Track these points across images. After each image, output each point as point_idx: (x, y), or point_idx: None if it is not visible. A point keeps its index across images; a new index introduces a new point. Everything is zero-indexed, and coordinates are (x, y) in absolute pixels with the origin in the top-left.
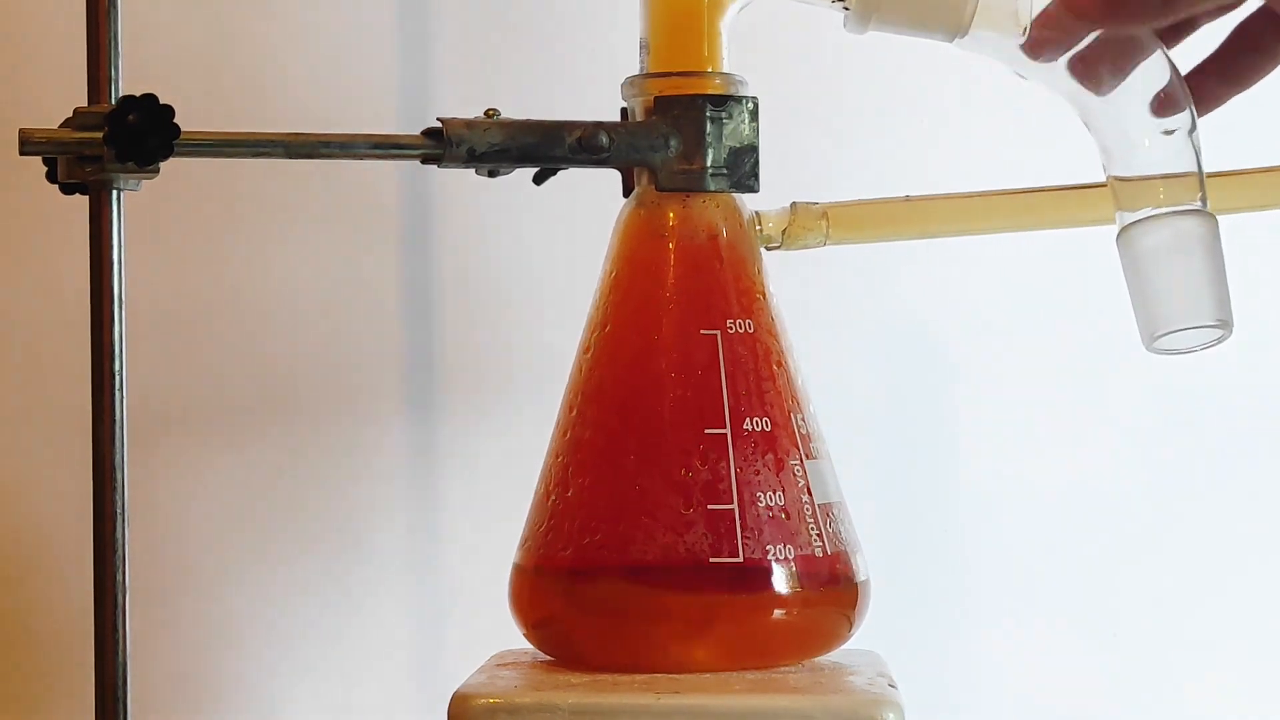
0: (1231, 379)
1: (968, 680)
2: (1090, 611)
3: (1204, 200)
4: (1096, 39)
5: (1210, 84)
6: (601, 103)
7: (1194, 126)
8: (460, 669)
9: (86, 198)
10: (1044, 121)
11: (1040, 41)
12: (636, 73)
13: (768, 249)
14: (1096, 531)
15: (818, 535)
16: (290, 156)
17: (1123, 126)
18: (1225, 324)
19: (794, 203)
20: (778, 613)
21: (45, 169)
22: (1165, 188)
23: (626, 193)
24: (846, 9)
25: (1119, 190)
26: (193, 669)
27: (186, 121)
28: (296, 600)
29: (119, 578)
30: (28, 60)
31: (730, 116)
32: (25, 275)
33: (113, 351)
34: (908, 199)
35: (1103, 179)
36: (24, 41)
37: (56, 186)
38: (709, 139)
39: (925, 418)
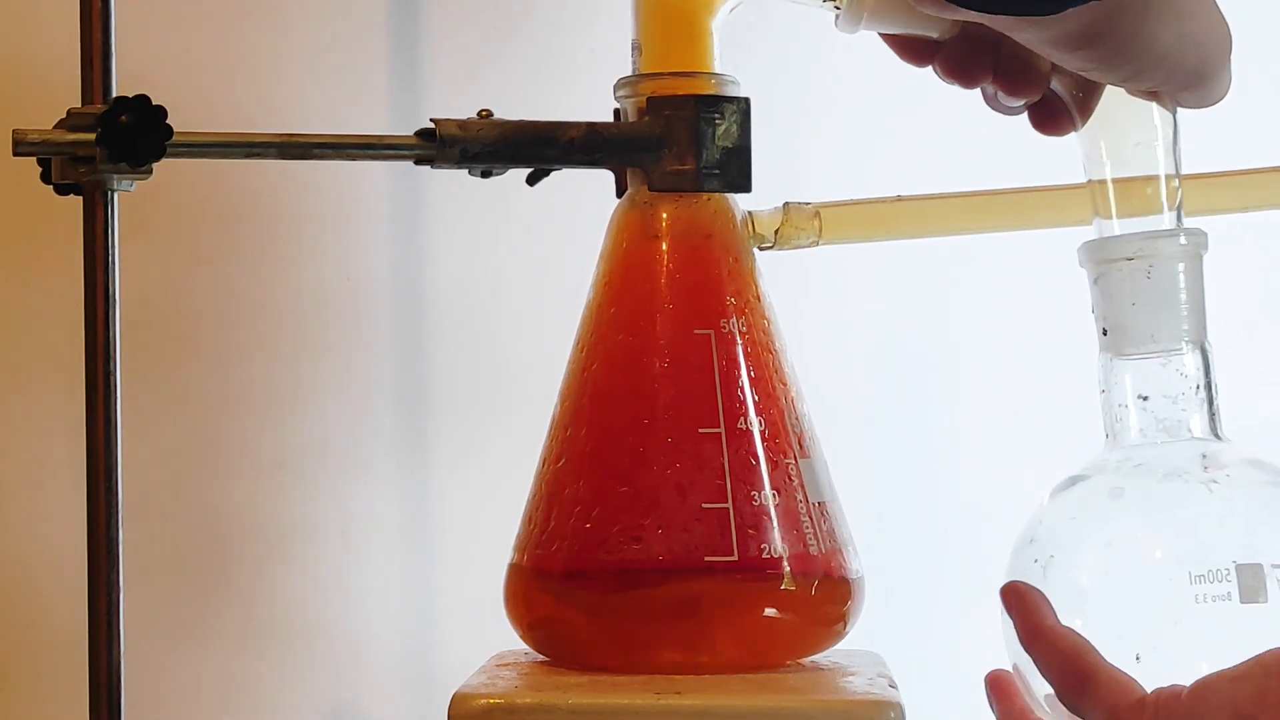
0: (1226, 377)
1: (966, 679)
2: None
3: (1179, 209)
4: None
5: None
6: (594, 103)
7: (1175, 136)
8: (459, 669)
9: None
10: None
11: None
12: (629, 74)
13: (760, 249)
14: None
15: (812, 534)
16: (282, 157)
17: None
18: (1194, 342)
19: (786, 203)
20: (773, 611)
21: (40, 170)
22: (1141, 195)
23: (619, 193)
24: (838, 9)
25: (1096, 194)
26: (188, 669)
27: (179, 123)
28: (294, 601)
29: (113, 577)
30: (22, 61)
31: (722, 117)
32: (20, 275)
33: (107, 350)
34: (899, 199)
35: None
36: (18, 42)
37: (51, 187)
38: (701, 139)
39: (917, 416)
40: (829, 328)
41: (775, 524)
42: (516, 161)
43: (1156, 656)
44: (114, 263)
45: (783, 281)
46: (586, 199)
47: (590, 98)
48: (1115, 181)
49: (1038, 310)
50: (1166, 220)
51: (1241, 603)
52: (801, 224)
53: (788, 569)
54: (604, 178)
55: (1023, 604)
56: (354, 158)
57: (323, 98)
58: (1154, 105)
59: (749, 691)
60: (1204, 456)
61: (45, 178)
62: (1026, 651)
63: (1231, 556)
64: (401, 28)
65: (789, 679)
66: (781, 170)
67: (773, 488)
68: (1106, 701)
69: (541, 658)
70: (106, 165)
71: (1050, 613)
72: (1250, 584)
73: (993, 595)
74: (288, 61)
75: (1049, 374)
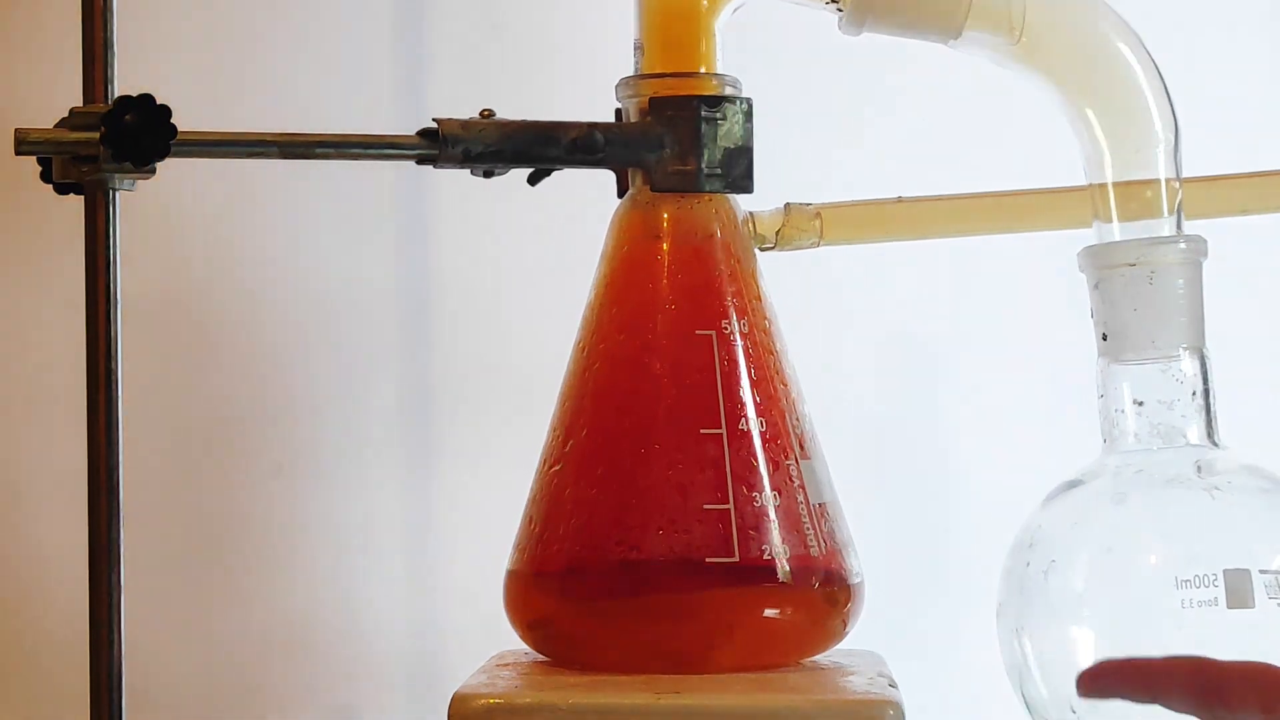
0: (1225, 377)
1: (966, 680)
2: None
3: (1179, 213)
4: None
5: None
6: (597, 104)
7: (1176, 140)
8: (461, 670)
9: (82, 197)
10: (1036, 123)
11: None
12: (631, 74)
13: (761, 250)
14: None
15: (813, 535)
16: (285, 157)
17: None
18: (1192, 349)
19: (787, 204)
20: (773, 612)
21: (40, 169)
22: (1141, 199)
23: (621, 194)
24: (841, 11)
25: (1097, 197)
26: (189, 670)
27: (181, 122)
28: (294, 601)
29: (114, 577)
30: (23, 60)
31: (725, 117)
32: (21, 275)
33: (108, 351)
34: (900, 200)
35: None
36: (20, 41)
37: (51, 187)
38: (703, 140)
39: (918, 417)
40: (831, 329)
41: (776, 525)
42: (519, 161)
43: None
44: (116, 262)
45: (786, 282)
46: (591, 198)
47: (591, 98)
48: (1116, 185)
49: (1041, 311)
50: (1166, 224)
51: (1229, 607)
52: (803, 225)
53: (788, 570)
54: (606, 178)
55: (1116, 672)
56: (356, 157)
57: (324, 97)
58: (1155, 110)
59: (749, 691)
60: (1202, 464)
61: (46, 177)
62: (1150, 701)
63: (1234, 561)
64: (405, 27)
65: (789, 679)
66: (784, 171)
67: (774, 489)
68: (1253, 694)
69: (542, 658)
70: (110, 164)
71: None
72: (1239, 588)
73: (993, 595)
74: (289, 60)
75: (1050, 375)
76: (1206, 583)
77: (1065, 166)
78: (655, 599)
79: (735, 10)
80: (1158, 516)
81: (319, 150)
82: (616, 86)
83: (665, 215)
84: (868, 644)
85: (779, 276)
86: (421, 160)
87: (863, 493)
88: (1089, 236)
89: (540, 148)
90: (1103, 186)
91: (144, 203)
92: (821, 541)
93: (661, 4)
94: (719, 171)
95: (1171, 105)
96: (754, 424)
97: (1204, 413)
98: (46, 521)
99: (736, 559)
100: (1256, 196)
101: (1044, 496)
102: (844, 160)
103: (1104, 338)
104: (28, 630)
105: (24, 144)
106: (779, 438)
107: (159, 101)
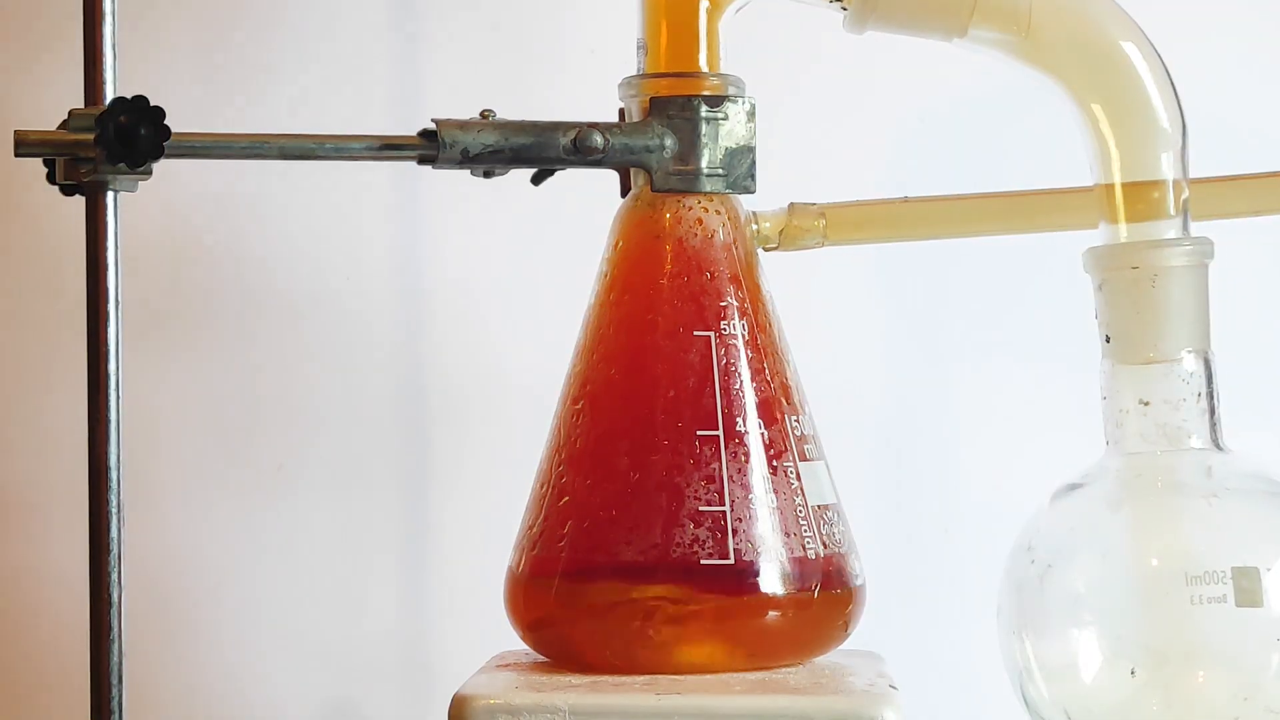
0: (1229, 381)
1: (968, 681)
2: None
3: (1186, 214)
4: None
5: None
6: (596, 103)
7: (1184, 140)
8: (459, 670)
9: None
10: (1043, 122)
11: None
12: (633, 73)
13: (765, 250)
14: None
15: (812, 536)
16: (283, 158)
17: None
18: (1197, 352)
19: (791, 203)
20: (770, 614)
21: (46, 170)
22: (1148, 200)
23: (624, 193)
24: (845, 9)
25: (1103, 198)
26: (188, 670)
27: (180, 123)
28: (294, 602)
29: (114, 578)
30: (28, 61)
31: (727, 117)
32: (22, 275)
33: (109, 352)
34: (906, 200)
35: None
36: (24, 42)
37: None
38: (705, 140)
39: (922, 418)
40: (836, 329)
41: (774, 527)
42: (518, 162)
43: (1154, 664)
44: (116, 262)
45: (789, 282)
46: (591, 199)
47: (592, 98)
48: (1123, 186)
49: (1048, 313)
50: (1173, 225)
51: (1237, 606)
52: (807, 225)
53: (787, 572)
54: (609, 177)
55: None
56: (356, 158)
57: (323, 97)
58: (1162, 110)
59: (749, 692)
60: (1204, 467)
61: (51, 178)
62: None
63: (1229, 564)
64: (403, 27)
65: (789, 679)
66: (788, 170)
67: (772, 490)
68: None
69: (542, 658)
70: (106, 166)
71: None
72: (1246, 587)
73: (994, 596)
74: (287, 61)
75: (1054, 376)
76: (1210, 583)
77: (1072, 167)
78: (654, 600)
79: (739, 9)
80: (1157, 520)
81: (317, 151)
82: (619, 86)
83: (666, 215)
84: (868, 644)
85: (784, 275)
86: (421, 161)
87: (865, 493)
88: (1097, 237)
89: (539, 148)
90: (1109, 187)
91: (145, 203)
92: (821, 543)
93: (665, 3)
94: (720, 172)
95: (1180, 105)
96: (753, 425)
97: (1208, 415)
98: (47, 522)
99: (732, 561)
100: (1270, 197)
101: (1046, 498)
102: (850, 159)
103: (1107, 340)
104: (28, 629)
105: (23, 145)
106: (778, 439)
107: (157, 103)
